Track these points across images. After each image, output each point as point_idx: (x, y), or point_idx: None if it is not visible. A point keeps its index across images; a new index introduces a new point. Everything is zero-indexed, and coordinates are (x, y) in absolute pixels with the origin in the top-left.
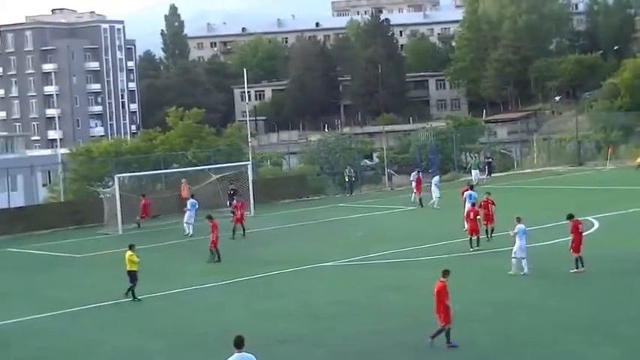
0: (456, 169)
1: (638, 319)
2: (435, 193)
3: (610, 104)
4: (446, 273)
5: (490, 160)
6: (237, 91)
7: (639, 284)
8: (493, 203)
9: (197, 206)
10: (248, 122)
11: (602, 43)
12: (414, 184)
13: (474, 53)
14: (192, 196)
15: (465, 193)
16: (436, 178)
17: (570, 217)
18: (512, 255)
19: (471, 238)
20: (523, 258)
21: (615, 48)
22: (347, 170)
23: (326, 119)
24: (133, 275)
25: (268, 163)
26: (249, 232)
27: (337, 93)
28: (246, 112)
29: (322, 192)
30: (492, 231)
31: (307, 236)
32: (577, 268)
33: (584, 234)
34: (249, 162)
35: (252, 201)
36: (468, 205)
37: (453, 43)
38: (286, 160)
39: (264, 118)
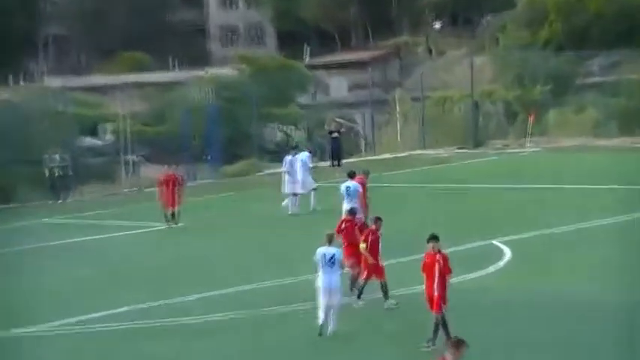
0: (257, 155)
1: None
2: (300, 185)
3: (531, 38)
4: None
5: (336, 134)
6: None
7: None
8: (376, 239)
9: None
10: None
11: None
12: (288, 180)
13: None
14: None
15: (345, 184)
16: (305, 155)
17: (432, 238)
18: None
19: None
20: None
21: None
22: (50, 158)
23: (18, 63)
24: None
25: None
26: None
27: (36, 18)
28: None
29: (12, 197)
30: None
31: None
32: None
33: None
34: None
35: None
36: (345, 205)
37: None
38: None
39: None
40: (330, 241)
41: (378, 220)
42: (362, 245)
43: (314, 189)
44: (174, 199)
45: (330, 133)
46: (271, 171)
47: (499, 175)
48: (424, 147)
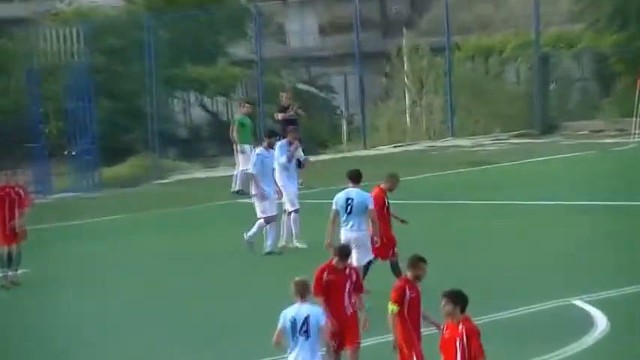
0: (158, 149)
1: None
2: (288, 189)
3: None
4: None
5: (292, 114)
6: None
7: None
8: (417, 299)
9: None
10: None
11: None
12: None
13: None
14: None
15: (345, 194)
16: (279, 145)
17: (448, 296)
18: None
19: None
20: None
21: None
22: None
23: None
24: None
25: None
26: None
27: None
28: None
29: None
30: None
31: None
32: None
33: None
34: None
35: None
36: (343, 233)
37: None
38: None
39: None
40: (301, 294)
41: (419, 262)
42: (392, 308)
43: (293, 211)
44: (11, 231)
45: (285, 109)
46: (183, 176)
47: (586, 185)
48: (453, 134)
